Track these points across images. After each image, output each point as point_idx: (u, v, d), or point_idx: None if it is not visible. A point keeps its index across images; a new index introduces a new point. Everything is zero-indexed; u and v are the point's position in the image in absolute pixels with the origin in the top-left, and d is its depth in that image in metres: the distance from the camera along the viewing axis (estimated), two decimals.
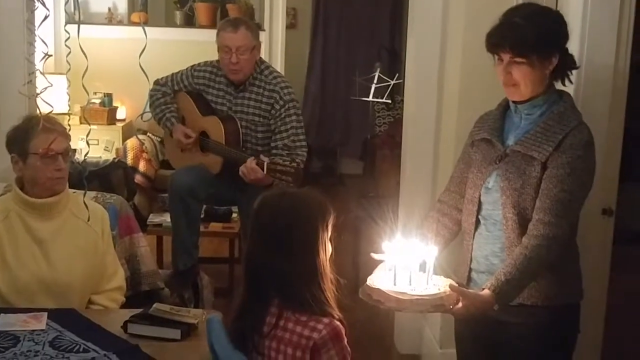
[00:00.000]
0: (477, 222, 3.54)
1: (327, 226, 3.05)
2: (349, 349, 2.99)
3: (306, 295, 2.97)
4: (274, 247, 3.01)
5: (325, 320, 2.94)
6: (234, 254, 7.25)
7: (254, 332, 3.03)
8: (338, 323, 2.97)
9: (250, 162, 5.14)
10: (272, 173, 4.98)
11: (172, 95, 5.93)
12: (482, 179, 3.49)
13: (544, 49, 3.31)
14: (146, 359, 3.31)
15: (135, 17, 10.01)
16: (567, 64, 3.43)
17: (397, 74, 9.17)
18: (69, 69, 3.48)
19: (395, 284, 3.15)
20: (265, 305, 3.03)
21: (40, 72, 4.19)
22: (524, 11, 3.44)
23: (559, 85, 3.48)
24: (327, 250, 3.06)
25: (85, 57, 3.44)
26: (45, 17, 3.92)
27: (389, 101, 9.46)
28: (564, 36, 3.43)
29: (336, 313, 3.00)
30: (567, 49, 3.43)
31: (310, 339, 2.91)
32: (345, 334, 2.98)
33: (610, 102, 4.04)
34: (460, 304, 3.15)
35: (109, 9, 9.94)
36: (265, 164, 5.00)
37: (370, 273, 3.31)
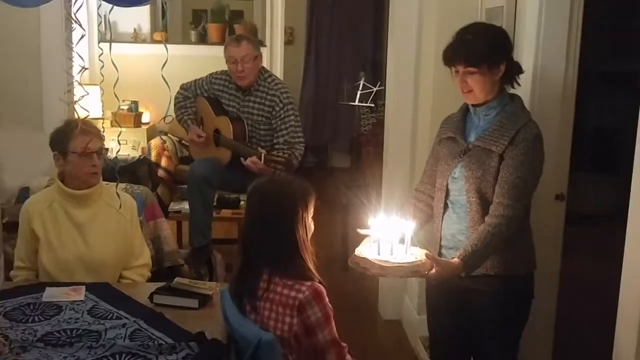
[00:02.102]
0: (446, 206, 3.56)
1: (307, 207, 3.17)
2: (330, 306, 3.07)
3: (289, 263, 3.09)
4: (261, 224, 3.14)
5: (308, 283, 3.04)
6: None
7: (250, 295, 3.13)
8: (319, 285, 3.06)
9: (251, 158, 5.23)
10: (268, 163, 5.06)
11: (192, 99, 5.97)
12: (449, 170, 3.51)
13: (492, 59, 3.34)
14: (169, 325, 3.31)
15: (157, 36, 9.99)
16: (514, 70, 3.45)
17: (379, 82, 9.15)
18: (102, 80, 3.46)
19: (379, 254, 3.19)
20: (258, 273, 3.13)
21: (78, 83, 4.18)
22: (473, 29, 3.45)
23: (510, 89, 3.50)
24: (307, 226, 3.18)
25: (116, 69, 3.44)
26: (82, 37, 3.91)
27: (373, 105, 9.44)
28: (509, 47, 3.47)
29: (317, 277, 3.10)
30: (512, 58, 3.45)
31: (296, 299, 3.01)
32: (327, 294, 3.07)
33: (562, 102, 4.03)
34: (433, 270, 3.19)
35: (134, 29, 9.91)
36: (263, 155, 5.08)
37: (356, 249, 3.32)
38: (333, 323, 3.07)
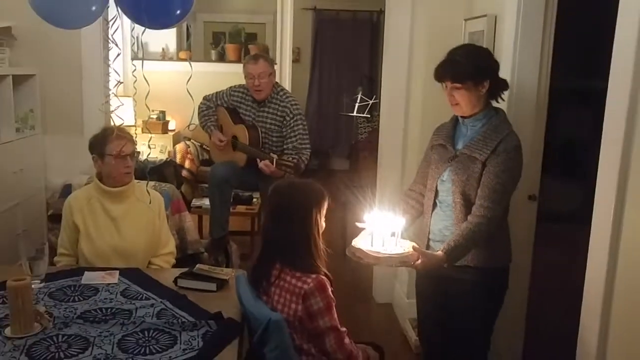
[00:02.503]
0: (434, 205, 3.55)
1: (320, 208, 3.17)
2: (332, 297, 3.08)
3: (300, 257, 3.10)
4: (277, 222, 3.15)
5: (313, 276, 3.05)
6: (254, 229, 7.32)
7: (264, 280, 3.16)
8: (323, 277, 3.07)
9: (263, 162, 5.24)
10: (279, 166, 5.06)
11: (214, 108, 5.95)
12: (439, 173, 3.50)
13: (476, 77, 3.32)
14: (191, 305, 3.31)
15: (182, 54, 10.02)
16: (499, 86, 3.43)
17: (374, 95, 9.13)
18: (135, 93, 3.46)
19: (372, 245, 3.22)
20: (271, 263, 3.16)
21: (114, 95, 4.19)
22: (461, 50, 3.45)
23: (495, 104, 3.48)
24: (319, 226, 3.17)
25: (147, 83, 3.45)
26: (118, 55, 3.93)
27: (369, 116, 9.41)
28: (493, 66, 3.43)
29: (323, 271, 3.10)
30: (497, 76, 3.42)
31: (301, 289, 3.03)
32: (331, 286, 3.09)
33: (535, 114, 4.03)
34: (419, 261, 3.21)
35: (163, 49, 9.93)
36: (275, 160, 5.09)
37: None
38: (334, 311, 3.07)
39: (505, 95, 3.52)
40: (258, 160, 5.31)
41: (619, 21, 2.85)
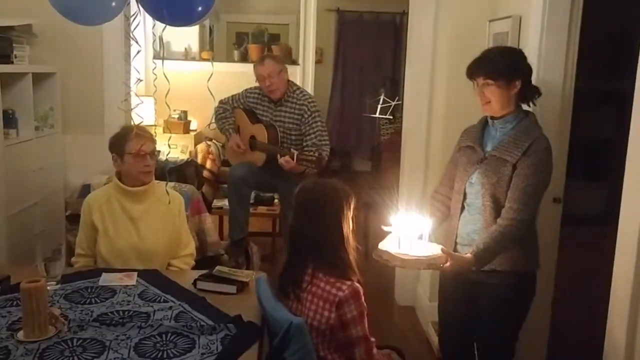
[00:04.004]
0: (462, 208, 3.51)
1: (349, 206, 3.12)
2: (365, 305, 3.01)
3: (334, 258, 3.03)
4: (309, 221, 3.08)
5: (348, 282, 2.97)
6: (275, 230, 7.27)
7: (295, 285, 3.08)
8: (358, 285, 3.00)
9: (285, 157, 5.18)
10: (300, 162, 5.03)
11: (230, 111, 5.94)
12: (467, 176, 3.46)
13: (507, 74, 3.30)
14: (210, 308, 3.25)
15: (204, 54, 10.00)
16: (531, 90, 3.40)
17: (397, 97, 9.09)
18: (155, 91, 3.45)
19: (399, 248, 3.17)
20: (303, 267, 3.08)
21: (135, 94, 4.16)
22: (496, 50, 3.49)
23: (525, 107, 3.45)
24: (349, 224, 3.12)
25: (167, 81, 3.41)
26: (138, 52, 3.88)
27: (391, 117, 9.36)
28: (525, 68, 3.39)
29: (357, 277, 3.04)
30: (529, 79, 3.39)
31: (336, 296, 2.95)
32: (363, 294, 3.01)
33: (559, 116, 4.03)
34: (448, 264, 3.16)
35: (185, 49, 9.92)
36: (295, 155, 5.05)
37: (377, 243, 3.28)
38: (365, 320, 3.01)
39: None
40: (278, 156, 5.27)
41: None
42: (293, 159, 5.05)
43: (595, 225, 4.63)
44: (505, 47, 3.55)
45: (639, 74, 2.87)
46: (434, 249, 3.20)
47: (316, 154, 5.11)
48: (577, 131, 4.24)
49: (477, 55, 3.43)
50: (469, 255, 3.24)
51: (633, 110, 2.91)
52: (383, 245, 3.25)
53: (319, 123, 5.56)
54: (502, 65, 3.31)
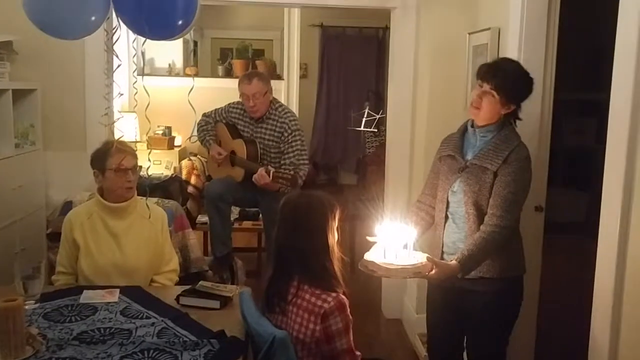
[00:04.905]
0: (446, 217, 3.52)
1: (334, 217, 3.10)
2: (350, 317, 3.00)
3: (319, 269, 3.02)
4: (294, 232, 3.06)
5: (333, 294, 2.96)
6: (260, 245, 7.21)
7: (280, 298, 3.06)
8: (343, 297, 2.99)
9: (260, 171, 5.17)
10: (275, 179, 5.05)
11: (213, 124, 5.91)
12: (449, 184, 3.47)
13: (510, 96, 3.34)
14: (193, 324, 3.22)
15: (188, 70, 9.96)
16: (517, 114, 3.45)
17: (381, 110, 9.09)
18: (136, 105, 3.42)
19: (384, 258, 3.16)
20: (288, 279, 3.06)
21: (118, 112, 4.14)
22: (514, 66, 3.46)
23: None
24: (334, 235, 3.10)
25: (147, 94, 3.39)
26: (118, 66, 3.87)
27: (376, 130, 9.35)
28: (526, 97, 3.42)
29: (342, 288, 3.03)
30: (520, 105, 3.43)
31: (321, 307, 2.93)
32: (349, 306, 3.01)
33: (540, 127, 4.09)
34: (433, 271, 3.16)
35: (169, 65, 9.90)
36: (271, 172, 5.07)
37: (364, 254, 3.26)
38: (351, 333, 3.00)
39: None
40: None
41: (619, 33, 2.90)
42: (269, 175, 5.05)
43: (577, 232, 4.69)
44: (522, 69, 3.46)
45: (614, 85, 2.93)
46: (420, 258, 3.19)
47: (292, 172, 5.12)
48: (557, 141, 4.28)
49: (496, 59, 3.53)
50: (453, 262, 3.24)
51: (609, 121, 2.96)
52: (368, 256, 3.23)
53: (298, 142, 5.51)
54: (512, 86, 3.34)
